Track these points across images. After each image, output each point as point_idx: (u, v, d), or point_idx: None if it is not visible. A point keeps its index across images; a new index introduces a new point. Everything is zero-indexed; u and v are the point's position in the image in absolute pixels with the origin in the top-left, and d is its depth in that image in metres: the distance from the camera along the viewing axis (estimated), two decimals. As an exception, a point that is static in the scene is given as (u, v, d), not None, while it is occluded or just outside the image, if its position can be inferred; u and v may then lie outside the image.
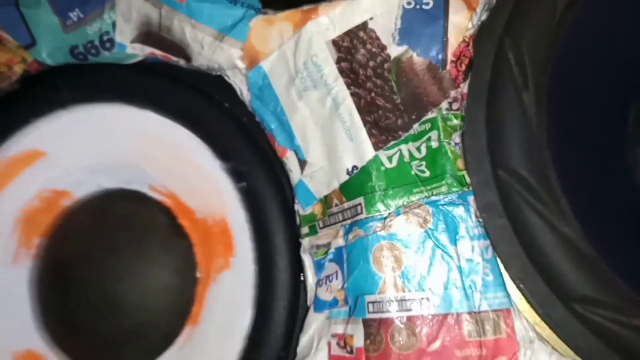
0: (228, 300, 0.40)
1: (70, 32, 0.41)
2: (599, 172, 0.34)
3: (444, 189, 0.31)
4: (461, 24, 0.33)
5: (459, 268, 0.31)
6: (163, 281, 0.43)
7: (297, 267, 0.36)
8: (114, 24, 0.40)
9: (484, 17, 0.33)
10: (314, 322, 0.34)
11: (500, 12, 0.34)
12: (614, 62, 0.35)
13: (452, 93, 0.33)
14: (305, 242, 0.36)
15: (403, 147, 0.33)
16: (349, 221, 0.33)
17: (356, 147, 0.33)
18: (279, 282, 0.37)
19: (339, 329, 0.33)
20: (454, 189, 0.31)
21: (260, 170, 0.38)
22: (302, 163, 0.36)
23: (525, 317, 0.31)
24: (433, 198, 0.31)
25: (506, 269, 0.32)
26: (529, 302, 0.31)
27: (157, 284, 0.43)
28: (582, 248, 0.31)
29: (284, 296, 0.36)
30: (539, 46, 0.33)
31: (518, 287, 0.32)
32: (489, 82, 0.33)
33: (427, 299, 0.31)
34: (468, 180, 0.32)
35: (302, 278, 0.37)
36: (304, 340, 0.35)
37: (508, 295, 0.31)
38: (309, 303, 0.35)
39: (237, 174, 0.38)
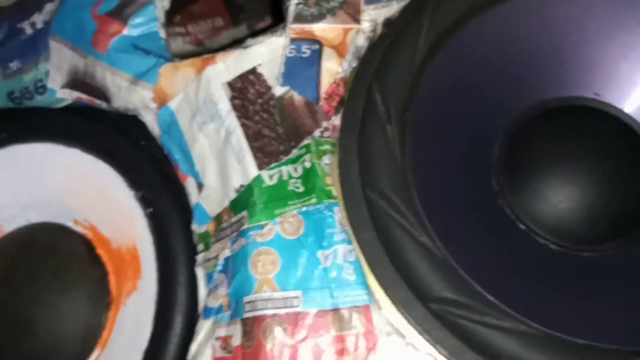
0: (134, 320, 0.43)
1: (9, 79, 0.46)
2: (458, 193, 0.39)
3: (314, 200, 0.36)
4: (332, 68, 0.39)
5: (325, 269, 0.35)
6: (77, 306, 0.46)
7: (194, 282, 0.40)
8: (47, 73, 0.45)
9: (354, 64, 0.40)
10: (202, 329, 0.37)
11: (369, 62, 0.40)
12: (476, 105, 0.42)
13: (324, 124, 0.38)
14: (200, 257, 0.40)
15: (283, 168, 0.38)
16: (235, 233, 0.37)
17: (243, 169, 0.38)
18: (177, 297, 0.40)
19: (222, 332, 0.36)
20: (323, 201, 0.36)
21: (165, 197, 0.42)
22: (200, 186, 0.41)
23: (385, 315, 0.35)
24: (305, 209, 0.36)
25: (373, 274, 0.36)
26: (393, 303, 0.35)
27: (71, 309, 0.46)
28: (438, 255, 0.35)
29: (181, 310, 0.40)
30: (399, 90, 0.39)
31: (384, 290, 0.35)
32: (360, 118, 0.39)
33: (298, 297, 0.35)
34: (334, 193, 0.37)
35: (198, 294, 0.40)
36: (193, 347, 0.37)
37: (368, 294, 0.35)
38: (199, 313, 0.38)
39: (146, 201, 0.43)
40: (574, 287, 0.37)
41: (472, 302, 0.35)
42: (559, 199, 0.41)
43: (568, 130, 0.42)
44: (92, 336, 0.45)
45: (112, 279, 0.46)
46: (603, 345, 0.34)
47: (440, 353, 0.34)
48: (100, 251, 0.47)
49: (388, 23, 0.40)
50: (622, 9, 0.41)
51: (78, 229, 0.48)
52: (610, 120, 0.42)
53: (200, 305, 0.38)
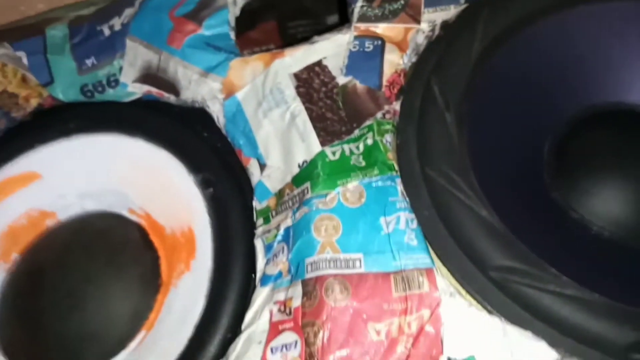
0: (185, 299, 0.43)
1: (84, 74, 0.50)
2: (513, 181, 0.41)
3: (376, 172, 0.38)
4: (393, 60, 0.42)
5: (388, 236, 0.36)
6: (126, 290, 0.46)
7: (251, 258, 0.40)
8: (120, 69, 0.49)
9: (413, 59, 0.43)
10: (259, 296, 0.37)
11: (427, 58, 0.43)
12: (528, 105, 0.44)
13: (386, 107, 0.41)
14: (259, 230, 0.40)
15: (345, 145, 0.40)
16: (297, 204, 0.39)
17: (307, 146, 0.40)
18: (233, 270, 0.40)
19: (281, 297, 0.36)
20: (385, 173, 0.38)
21: (225, 178, 0.44)
22: (262, 166, 0.42)
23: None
24: (367, 179, 0.37)
25: (432, 248, 0.36)
26: (452, 274, 0.35)
27: (120, 292, 0.46)
28: (498, 228, 0.36)
29: (237, 281, 0.40)
30: (456, 84, 0.42)
31: (442, 262, 0.36)
32: (418, 108, 0.41)
33: (360, 260, 0.35)
34: (396, 167, 0.38)
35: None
36: (249, 315, 0.37)
37: (431, 258, 0.35)
38: (256, 283, 0.39)
39: (206, 183, 0.44)
40: (630, 270, 0.37)
41: (534, 270, 0.35)
42: (610, 194, 0.42)
43: (617, 132, 0.44)
44: (138, 318, 0.45)
45: (163, 264, 0.47)
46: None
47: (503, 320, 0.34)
48: (154, 238, 0.48)
49: (445, 25, 0.44)
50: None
51: (133, 217, 0.49)
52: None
53: (258, 275, 0.39)
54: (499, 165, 0.41)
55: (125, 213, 0.49)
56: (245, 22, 0.49)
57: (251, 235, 0.41)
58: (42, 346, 0.45)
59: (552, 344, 0.32)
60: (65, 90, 0.50)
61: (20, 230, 0.50)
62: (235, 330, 0.38)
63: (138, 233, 0.48)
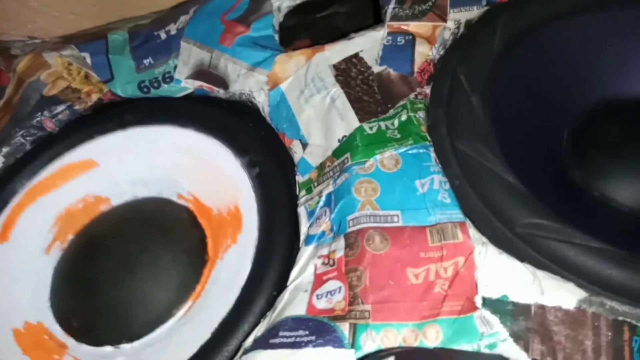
0: (231, 269, 0.46)
1: (142, 72, 0.55)
2: (535, 158, 0.44)
3: (411, 142, 0.42)
4: (424, 52, 0.47)
5: (423, 195, 0.39)
6: (175, 263, 0.49)
7: (295, 224, 0.44)
8: (175, 67, 0.54)
9: (441, 52, 0.48)
10: (304, 255, 0.41)
11: (453, 52, 0.48)
12: (546, 96, 0.48)
13: (418, 89, 0.45)
14: (302, 200, 0.44)
15: (381, 122, 0.44)
16: (338, 173, 0.42)
17: (346, 123, 0.44)
18: (276, 237, 0.44)
19: (325, 251, 0.39)
20: (419, 142, 0.42)
21: (268, 159, 0.48)
22: (304, 145, 0.46)
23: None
24: (402, 149, 0.41)
25: (463, 211, 0.40)
26: (481, 233, 0.39)
27: (169, 265, 0.49)
28: (523, 191, 0.39)
29: (280, 247, 0.43)
30: (480, 73, 0.46)
31: (472, 222, 0.39)
32: (447, 94, 0.46)
33: (397, 215, 0.39)
34: (429, 138, 0.42)
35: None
36: (294, 271, 0.40)
37: (463, 213, 0.39)
38: (300, 245, 0.42)
39: (252, 164, 0.48)
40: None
41: (559, 226, 0.38)
42: (626, 174, 0.45)
43: (627, 119, 0.48)
44: (186, 289, 0.48)
45: (209, 242, 0.50)
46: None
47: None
48: (201, 219, 0.52)
49: (469, 24, 0.49)
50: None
51: (181, 202, 0.53)
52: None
53: (302, 238, 0.42)
54: (522, 144, 0.44)
55: (174, 198, 0.53)
56: (281, 40, 0.55)
57: (294, 206, 0.45)
58: (95, 313, 0.48)
59: (580, 285, 0.35)
60: (124, 86, 0.55)
61: (77, 213, 0.54)
62: (281, 288, 0.41)
63: (186, 215, 0.52)
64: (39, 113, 0.55)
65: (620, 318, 0.33)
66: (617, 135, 0.47)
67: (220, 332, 0.42)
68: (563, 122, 0.48)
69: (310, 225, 0.42)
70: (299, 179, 0.46)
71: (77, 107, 0.55)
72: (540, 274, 0.35)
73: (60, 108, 0.55)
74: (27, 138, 0.55)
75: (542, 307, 0.34)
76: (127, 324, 0.47)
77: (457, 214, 0.38)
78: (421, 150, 0.41)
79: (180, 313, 0.47)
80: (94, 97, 0.55)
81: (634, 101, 0.48)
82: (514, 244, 0.38)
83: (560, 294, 0.34)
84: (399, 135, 0.43)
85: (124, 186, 0.55)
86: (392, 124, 0.44)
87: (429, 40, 0.48)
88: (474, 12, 0.49)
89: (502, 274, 0.35)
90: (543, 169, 0.44)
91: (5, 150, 0.54)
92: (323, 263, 0.39)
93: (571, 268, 0.36)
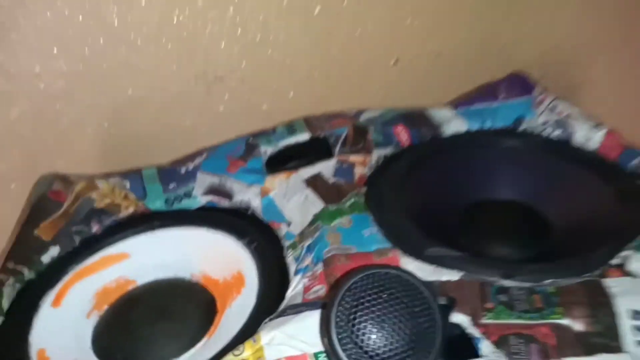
0: (237, 312, 0.65)
1: (167, 192, 0.80)
2: (437, 228, 0.71)
3: (357, 212, 0.67)
4: (360, 171, 0.76)
5: (368, 237, 0.64)
6: (192, 316, 0.67)
7: (285, 270, 0.66)
8: (193, 188, 0.79)
9: (371, 171, 0.77)
10: (295, 279, 0.62)
11: (377, 170, 0.77)
12: (441, 197, 0.76)
13: (357, 189, 0.72)
14: (290, 252, 0.67)
15: (338, 205, 0.70)
16: (313, 232, 0.67)
17: (316, 207, 0.70)
18: (273, 279, 0.65)
19: (309, 274, 0.61)
20: (362, 212, 0.67)
21: (262, 238, 0.71)
22: (288, 224, 0.71)
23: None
24: (354, 214, 0.67)
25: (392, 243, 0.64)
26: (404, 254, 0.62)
27: (188, 317, 0.67)
28: (424, 234, 0.65)
29: (275, 286, 0.64)
30: (394, 181, 0.75)
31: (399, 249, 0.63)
32: (375, 190, 0.73)
33: (354, 247, 0.62)
34: (368, 210, 0.68)
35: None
36: (290, 290, 0.62)
37: (392, 245, 0.63)
38: (291, 277, 0.64)
39: (249, 242, 0.71)
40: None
41: (444, 250, 0.62)
42: (490, 240, 0.72)
43: (491, 212, 0.76)
44: (201, 332, 0.66)
45: (218, 301, 0.69)
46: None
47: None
48: (210, 288, 0.71)
49: (386, 156, 0.79)
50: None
51: (194, 279, 0.73)
52: (514, 204, 0.76)
53: (292, 272, 0.64)
54: (427, 219, 0.71)
55: (188, 276, 0.74)
56: (267, 168, 0.82)
57: (283, 261, 0.67)
58: (132, 350, 0.64)
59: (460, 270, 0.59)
60: (153, 202, 0.78)
61: (111, 290, 0.72)
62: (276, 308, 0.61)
63: (198, 287, 0.72)
64: (89, 219, 0.76)
65: (482, 281, 0.57)
66: (485, 219, 0.75)
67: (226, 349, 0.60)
68: (455, 212, 0.75)
69: (298, 264, 0.64)
70: (286, 243, 0.69)
71: (116, 216, 0.77)
72: (437, 268, 0.59)
73: (105, 217, 0.77)
74: (77, 237, 0.75)
75: (440, 281, 0.57)
76: (159, 355, 0.64)
77: (388, 245, 0.63)
78: (364, 215, 0.67)
79: (199, 345, 0.64)
80: (131, 209, 0.78)
81: (493, 200, 0.77)
82: (423, 257, 0.62)
83: (450, 274, 0.58)
84: (349, 210, 0.68)
85: (147, 270, 0.74)
86: (345, 205, 0.70)
87: (363, 164, 0.77)
88: (387, 150, 0.80)
89: (415, 270, 0.59)
90: (441, 234, 0.70)
91: (61, 243, 0.74)
92: (309, 279, 0.61)
93: (452, 264, 0.60)
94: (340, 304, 0.49)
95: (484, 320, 0.53)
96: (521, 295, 0.55)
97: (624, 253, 0.59)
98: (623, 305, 0.52)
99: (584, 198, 0.72)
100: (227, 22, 0.86)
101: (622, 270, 0.57)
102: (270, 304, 0.63)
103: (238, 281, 0.70)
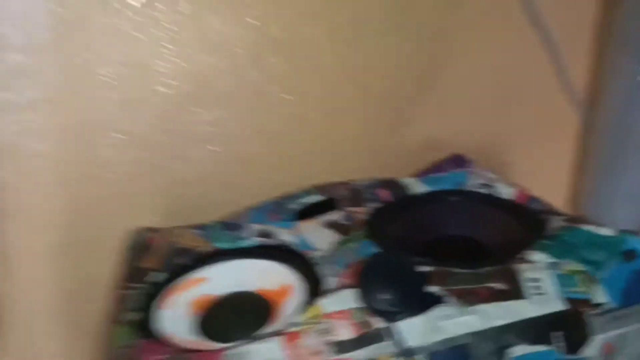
0: (288, 307, 1.01)
1: (228, 236, 1.16)
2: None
3: (363, 237, 1.06)
4: (359, 217, 1.15)
5: (372, 252, 1.02)
6: (257, 315, 1.02)
7: (317, 278, 1.02)
8: (246, 233, 1.16)
9: (368, 216, 1.16)
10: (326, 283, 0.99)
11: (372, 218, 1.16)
12: (413, 230, 1.16)
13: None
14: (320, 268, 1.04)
15: (346, 237, 1.09)
16: (334, 252, 1.04)
17: (334, 238, 1.08)
18: (310, 284, 1.01)
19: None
20: (366, 240, 1.06)
21: (299, 260, 1.08)
22: (314, 251, 1.09)
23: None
24: (362, 242, 1.05)
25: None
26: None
27: (254, 316, 1.02)
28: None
29: (312, 287, 1.00)
30: (384, 222, 1.14)
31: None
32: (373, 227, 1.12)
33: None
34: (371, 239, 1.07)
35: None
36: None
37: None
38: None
39: (291, 264, 1.08)
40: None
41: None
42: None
43: (448, 242, 1.16)
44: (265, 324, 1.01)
45: (274, 306, 1.05)
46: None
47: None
48: (269, 300, 1.07)
49: (375, 208, 1.19)
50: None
51: (256, 291, 1.09)
52: (467, 239, 1.16)
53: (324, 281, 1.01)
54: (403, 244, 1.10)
55: (255, 290, 1.09)
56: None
57: (315, 272, 1.04)
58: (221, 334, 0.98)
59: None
60: (220, 242, 1.15)
61: (199, 301, 1.07)
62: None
63: (259, 296, 1.07)
64: (177, 255, 1.12)
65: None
66: (441, 248, 1.15)
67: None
68: (420, 244, 1.14)
69: (327, 273, 1.01)
70: (316, 261, 1.06)
71: (195, 253, 1.13)
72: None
73: (187, 254, 1.12)
74: (170, 267, 1.10)
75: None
76: (240, 331, 0.98)
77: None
78: (365, 241, 1.05)
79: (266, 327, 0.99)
80: (202, 249, 1.14)
81: (452, 237, 1.18)
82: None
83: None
84: (357, 238, 1.07)
85: (223, 288, 1.09)
86: (352, 236, 1.08)
87: (359, 213, 1.17)
88: (375, 204, 1.20)
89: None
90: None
91: (163, 270, 1.08)
92: (336, 280, 0.98)
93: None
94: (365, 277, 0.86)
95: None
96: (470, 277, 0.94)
97: (526, 253, 0.99)
98: (524, 274, 0.91)
99: (503, 229, 1.14)
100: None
101: (524, 260, 0.97)
102: (309, 300, 0.99)
103: (289, 288, 1.06)
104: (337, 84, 1.37)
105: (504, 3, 1.34)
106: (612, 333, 0.87)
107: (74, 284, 1.25)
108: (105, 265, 1.24)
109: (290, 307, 1.01)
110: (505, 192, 1.20)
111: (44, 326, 1.19)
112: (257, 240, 1.15)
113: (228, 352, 0.83)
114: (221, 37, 1.11)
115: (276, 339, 0.84)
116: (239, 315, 1.02)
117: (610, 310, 0.88)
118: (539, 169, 1.30)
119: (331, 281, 0.99)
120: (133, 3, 1.01)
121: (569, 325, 0.86)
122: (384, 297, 0.85)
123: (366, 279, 0.87)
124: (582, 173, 1.57)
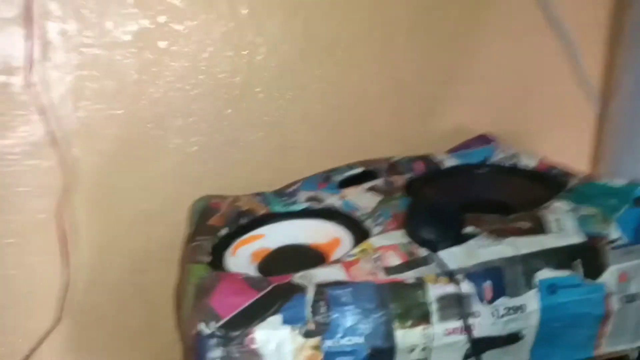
0: (338, 254, 1.16)
1: (283, 202, 1.32)
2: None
3: (400, 194, 1.21)
4: (398, 183, 1.31)
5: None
6: (314, 258, 1.17)
7: (364, 230, 1.17)
8: (298, 199, 1.32)
9: (407, 181, 1.31)
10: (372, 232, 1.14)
11: (409, 183, 1.31)
12: (447, 194, 1.31)
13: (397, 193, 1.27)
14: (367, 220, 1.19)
15: (388, 196, 1.23)
16: (377, 209, 1.19)
17: (377, 200, 1.23)
18: (357, 235, 1.16)
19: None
20: (405, 197, 1.21)
21: (347, 218, 1.23)
22: (357, 209, 1.24)
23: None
24: (402, 199, 1.20)
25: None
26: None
27: (312, 259, 1.16)
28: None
29: (359, 238, 1.15)
30: (421, 187, 1.29)
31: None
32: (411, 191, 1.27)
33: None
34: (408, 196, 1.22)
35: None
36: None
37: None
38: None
39: (341, 221, 1.23)
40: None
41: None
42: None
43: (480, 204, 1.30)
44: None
45: (326, 257, 1.19)
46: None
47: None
48: (321, 250, 1.21)
49: (411, 177, 1.34)
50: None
51: (309, 245, 1.23)
52: (495, 202, 1.30)
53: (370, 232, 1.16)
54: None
55: (307, 243, 1.23)
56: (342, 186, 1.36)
57: (361, 225, 1.19)
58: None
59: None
60: (275, 207, 1.30)
61: (258, 253, 1.22)
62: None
63: (311, 249, 1.22)
64: (239, 216, 1.27)
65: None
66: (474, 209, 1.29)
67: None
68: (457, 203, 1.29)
69: (374, 224, 1.16)
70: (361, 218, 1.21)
71: (255, 214, 1.29)
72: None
73: (248, 215, 1.28)
74: (233, 225, 1.26)
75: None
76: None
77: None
78: (404, 199, 1.20)
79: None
80: (262, 211, 1.30)
81: (481, 200, 1.32)
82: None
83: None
84: (397, 197, 1.22)
85: (278, 243, 1.25)
86: (392, 196, 1.23)
87: (398, 181, 1.32)
88: (411, 174, 1.35)
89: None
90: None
91: (228, 227, 1.24)
92: (382, 227, 1.12)
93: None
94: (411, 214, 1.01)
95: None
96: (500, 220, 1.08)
97: (548, 204, 1.13)
98: (547, 216, 1.05)
99: (527, 191, 1.28)
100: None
101: (548, 209, 1.11)
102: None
103: (336, 242, 1.21)
104: (374, 77, 1.54)
105: (524, 4, 1.50)
106: (627, 264, 1.00)
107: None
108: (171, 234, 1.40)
109: (341, 255, 1.15)
110: (528, 162, 1.35)
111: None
112: (307, 204, 1.30)
113: (297, 274, 0.97)
114: (273, 38, 1.31)
115: (337, 264, 0.98)
116: (292, 263, 1.17)
117: (624, 245, 1.01)
118: (557, 157, 1.45)
119: (377, 230, 1.13)
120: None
121: (588, 255, 0.99)
122: (428, 230, 0.99)
123: (412, 216, 1.02)
124: (597, 161, 1.70)
